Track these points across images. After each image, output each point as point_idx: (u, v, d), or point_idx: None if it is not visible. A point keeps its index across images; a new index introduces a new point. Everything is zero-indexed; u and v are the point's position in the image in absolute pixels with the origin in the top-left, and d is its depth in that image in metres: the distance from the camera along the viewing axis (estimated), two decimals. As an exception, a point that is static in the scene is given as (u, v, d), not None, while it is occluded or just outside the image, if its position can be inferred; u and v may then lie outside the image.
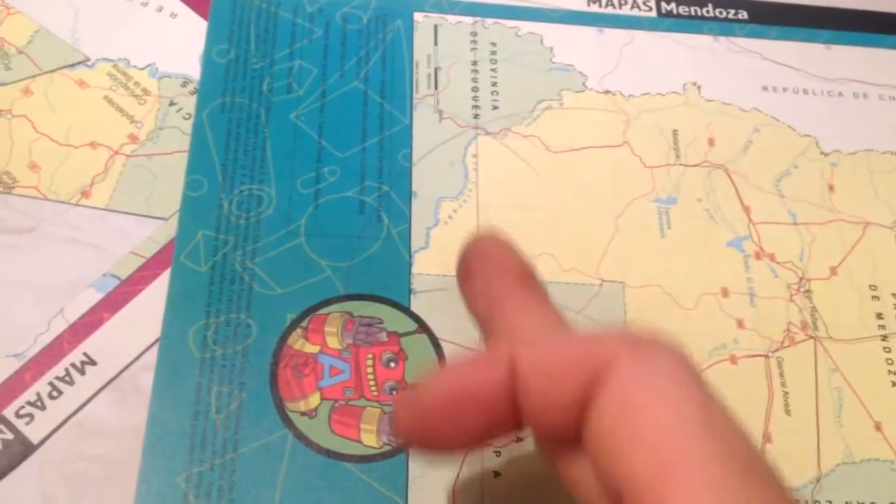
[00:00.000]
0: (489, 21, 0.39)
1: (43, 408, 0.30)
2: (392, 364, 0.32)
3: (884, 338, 0.34)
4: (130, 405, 0.31)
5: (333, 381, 0.31)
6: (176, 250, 0.33)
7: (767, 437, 0.32)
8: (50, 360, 0.31)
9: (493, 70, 0.38)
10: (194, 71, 0.36)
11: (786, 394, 0.33)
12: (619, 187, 0.36)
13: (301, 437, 0.30)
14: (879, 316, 0.35)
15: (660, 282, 0.34)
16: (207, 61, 0.36)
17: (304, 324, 0.32)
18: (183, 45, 0.37)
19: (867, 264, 0.36)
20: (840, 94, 0.39)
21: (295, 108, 0.36)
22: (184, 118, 0.35)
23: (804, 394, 0.33)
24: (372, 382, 0.31)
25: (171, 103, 0.36)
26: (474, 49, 0.38)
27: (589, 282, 0.34)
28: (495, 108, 0.37)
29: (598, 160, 0.36)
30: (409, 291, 0.33)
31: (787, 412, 0.33)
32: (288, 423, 0.30)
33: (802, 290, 0.35)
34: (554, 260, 0.34)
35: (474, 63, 0.38)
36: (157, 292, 0.32)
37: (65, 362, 0.31)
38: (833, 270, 0.35)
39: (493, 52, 0.38)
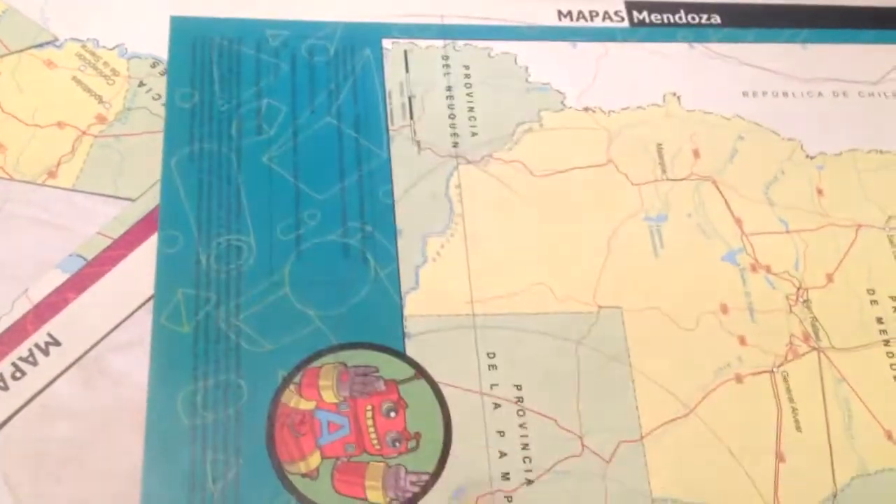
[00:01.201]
0: (460, 43, 0.38)
1: (6, 388, 0.29)
2: (392, 414, 0.31)
3: (886, 342, 0.34)
4: (95, 386, 0.30)
5: (333, 437, 0.30)
6: (155, 312, 0.31)
7: (780, 457, 0.31)
8: (13, 341, 0.30)
9: (468, 94, 0.36)
10: (164, 52, 0.36)
11: (794, 409, 0.32)
12: (608, 208, 0.35)
13: (304, 500, 0.29)
14: (880, 321, 0.34)
15: (658, 303, 0.33)
16: (171, 107, 0.34)
17: (297, 379, 0.31)
18: (153, 25, 0.36)
19: (863, 268, 0.35)
20: (819, 93, 0.39)
21: (267, 150, 0.34)
22: (153, 98, 0.35)
23: (813, 408, 0.32)
24: (373, 435, 0.30)
25: (141, 84, 0.35)
26: (447, 73, 0.37)
27: (586, 310, 0.33)
28: (475, 134, 0.36)
29: (584, 181, 0.35)
30: (403, 335, 0.32)
31: (798, 428, 0.32)
32: (289, 486, 0.29)
33: (801, 300, 0.34)
34: (548, 290, 0.33)
35: (449, 88, 0.36)
36: (124, 273, 0.32)
37: (28, 343, 0.30)
38: (829, 277, 0.35)
39: (468, 76, 0.37)
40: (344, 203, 0.34)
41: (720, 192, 0.36)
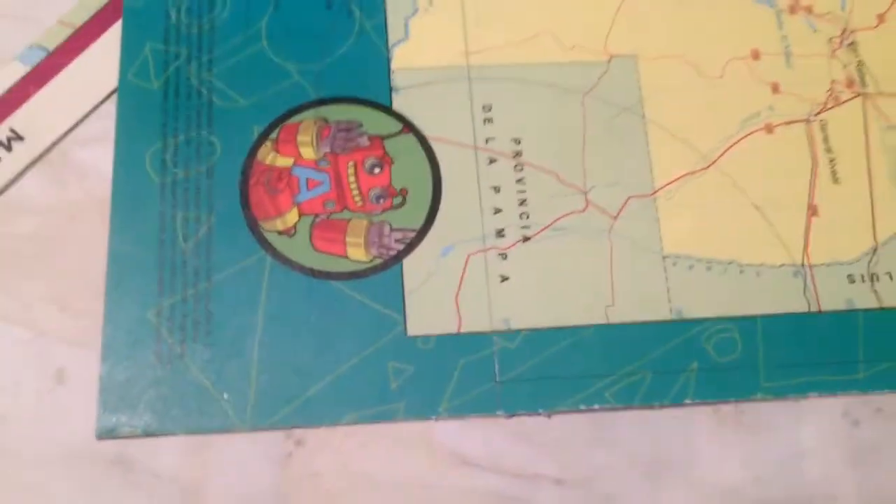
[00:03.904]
0: None
1: (-31, 185, 0.29)
2: (377, 170, 0.28)
3: (946, 87, 0.29)
4: (62, 181, 0.29)
5: (312, 194, 0.28)
6: (122, 68, 0.29)
7: (813, 210, 0.28)
8: (-26, 138, 0.29)
9: None
10: None
11: (832, 160, 0.28)
12: (623, -51, 0.31)
13: (280, 257, 0.27)
14: (939, 63, 0.30)
15: (679, 51, 0.30)
16: None
17: (273, 135, 0.28)
18: None
19: (922, 6, 0.30)
20: None
21: None
22: None
23: (854, 158, 0.29)
24: (356, 192, 0.28)
25: None
26: None
27: (595, 59, 0.29)
28: None
29: (598, -79, 0.31)
30: (391, 89, 0.29)
31: (835, 180, 0.28)
32: (265, 244, 0.27)
33: (846, 43, 0.30)
34: (553, 39, 0.30)
35: None
36: (88, 63, 0.30)
37: None
38: (881, 18, 0.30)
39: None
40: (326, -49, 0.30)
41: (756, -73, 0.31)
